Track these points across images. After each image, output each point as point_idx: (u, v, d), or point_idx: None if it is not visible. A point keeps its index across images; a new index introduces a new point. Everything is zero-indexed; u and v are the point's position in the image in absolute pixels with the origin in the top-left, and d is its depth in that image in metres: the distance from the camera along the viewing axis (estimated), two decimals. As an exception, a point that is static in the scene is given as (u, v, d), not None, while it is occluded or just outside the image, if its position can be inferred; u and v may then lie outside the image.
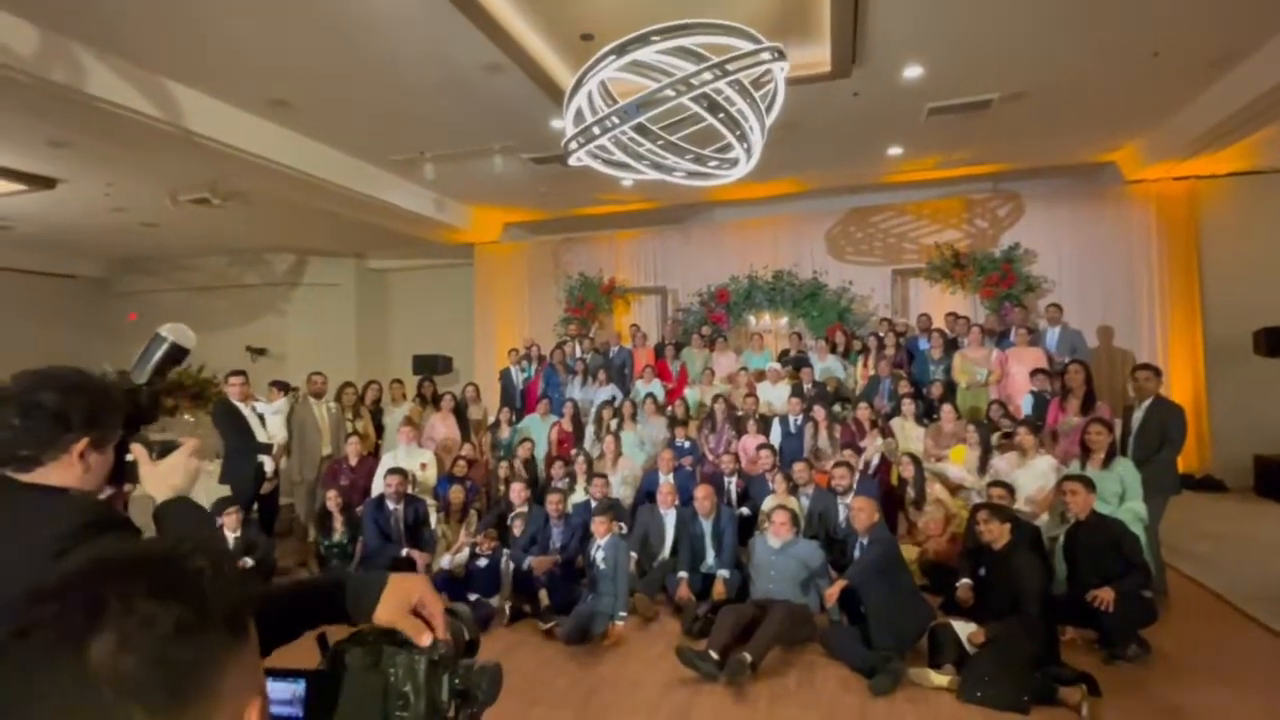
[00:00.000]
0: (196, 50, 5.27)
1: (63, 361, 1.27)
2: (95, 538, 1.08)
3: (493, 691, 0.96)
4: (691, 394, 7.90)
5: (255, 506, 5.69)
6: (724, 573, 4.90)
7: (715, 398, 7.26)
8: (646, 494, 5.99)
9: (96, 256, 12.32)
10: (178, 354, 1.50)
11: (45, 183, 7.75)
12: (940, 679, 3.59)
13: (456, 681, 0.94)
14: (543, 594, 4.65)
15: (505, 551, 5.05)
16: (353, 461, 6.09)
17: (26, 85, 4.86)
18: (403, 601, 0.88)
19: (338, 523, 5.42)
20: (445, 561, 4.93)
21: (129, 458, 1.34)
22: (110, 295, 12.94)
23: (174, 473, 1.33)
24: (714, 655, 3.73)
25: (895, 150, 8.11)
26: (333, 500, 5.43)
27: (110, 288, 12.95)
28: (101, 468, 1.25)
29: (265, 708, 0.59)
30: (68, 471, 1.19)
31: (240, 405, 5.67)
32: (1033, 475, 5.09)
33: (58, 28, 4.83)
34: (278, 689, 0.92)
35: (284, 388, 6.72)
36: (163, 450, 1.36)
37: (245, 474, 5.56)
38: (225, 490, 5.46)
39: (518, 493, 5.50)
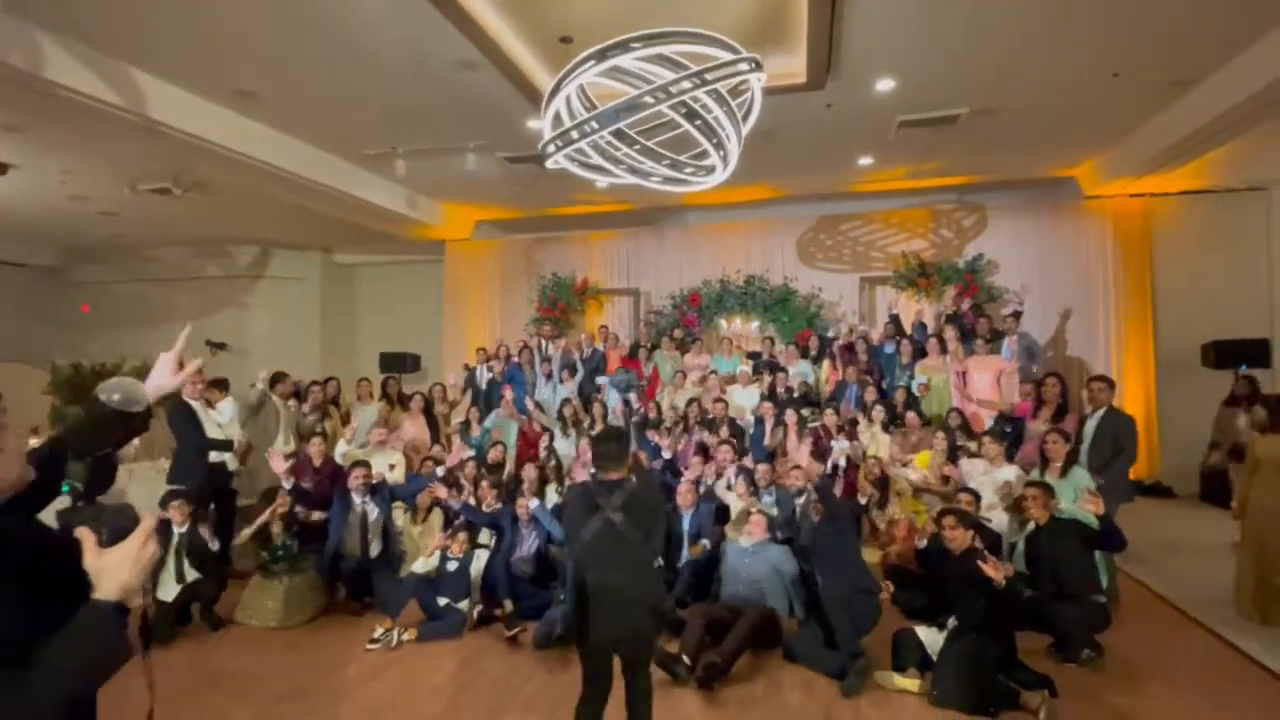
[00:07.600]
0: (159, 36, 5.11)
1: (7, 352, 1.23)
2: None
3: (115, 532, 1.21)
4: (663, 396, 7.92)
5: (212, 507, 5.51)
6: (705, 542, 5.04)
7: (690, 401, 7.30)
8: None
9: (50, 245, 11.83)
10: (128, 418, 1.43)
11: (-4, 167, 7.45)
12: (905, 682, 3.68)
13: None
14: (508, 603, 4.61)
15: (475, 554, 5.00)
16: (316, 462, 5.96)
17: (-21, 68, 4.68)
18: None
19: (275, 528, 5.23)
20: (418, 566, 4.82)
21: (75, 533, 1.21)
22: (63, 285, 12.45)
23: (124, 566, 1.13)
24: (686, 659, 3.75)
25: (866, 160, 8.24)
26: (271, 511, 5.19)
27: (63, 277, 12.44)
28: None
29: None
30: None
31: (195, 404, 5.49)
32: (995, 483, 5.23)
33: (13, 9, 4.65)
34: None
35: (223, 385, 6.44)
36: (114, 530, 1.19)
37: (196, 476, 5.33)
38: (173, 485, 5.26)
39: (485, 493, 5.47)
